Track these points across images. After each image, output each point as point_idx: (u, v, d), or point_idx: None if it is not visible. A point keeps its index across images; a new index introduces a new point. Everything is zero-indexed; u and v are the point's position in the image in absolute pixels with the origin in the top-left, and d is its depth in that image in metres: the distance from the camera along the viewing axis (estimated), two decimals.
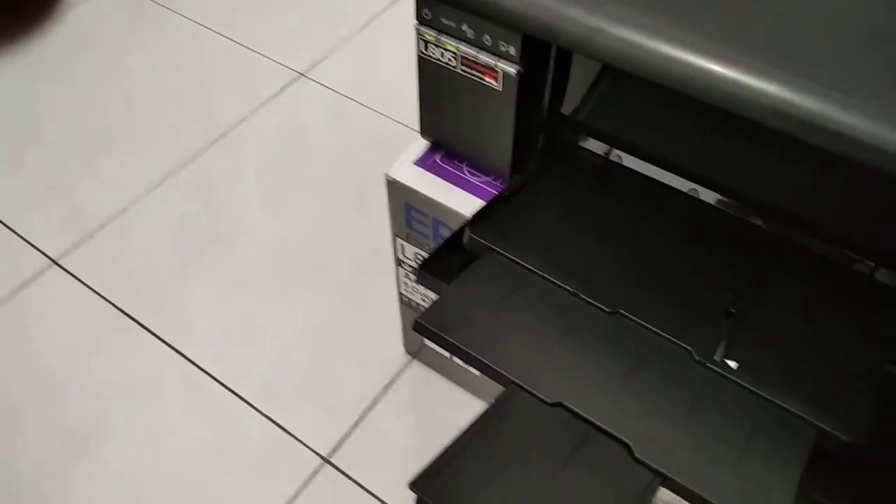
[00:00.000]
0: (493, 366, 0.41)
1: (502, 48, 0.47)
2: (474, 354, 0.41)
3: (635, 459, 0.38)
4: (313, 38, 1.18)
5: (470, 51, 0.49)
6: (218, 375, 0.83)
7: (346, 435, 0.79)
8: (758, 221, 0.52)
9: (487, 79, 0.50)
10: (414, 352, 0.84)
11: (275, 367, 0.83)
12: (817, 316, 0.46)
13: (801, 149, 0.42)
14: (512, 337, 0.43)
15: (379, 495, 0.74)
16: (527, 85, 0.50)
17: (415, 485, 0.34)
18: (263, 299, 0.89)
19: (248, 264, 0.92)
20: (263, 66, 1.14)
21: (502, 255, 0.47)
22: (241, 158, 1.03)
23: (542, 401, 0.40)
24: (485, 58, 0.48)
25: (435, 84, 0.54)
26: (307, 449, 0.78)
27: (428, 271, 0.49)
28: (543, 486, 0.36)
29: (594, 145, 0.57)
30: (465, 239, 0.49)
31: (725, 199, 0.53)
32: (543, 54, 0.50)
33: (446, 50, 0.50)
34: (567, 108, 0.57)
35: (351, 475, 0.76)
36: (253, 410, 0.80)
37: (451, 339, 0.42)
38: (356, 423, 0.80)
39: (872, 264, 0.49)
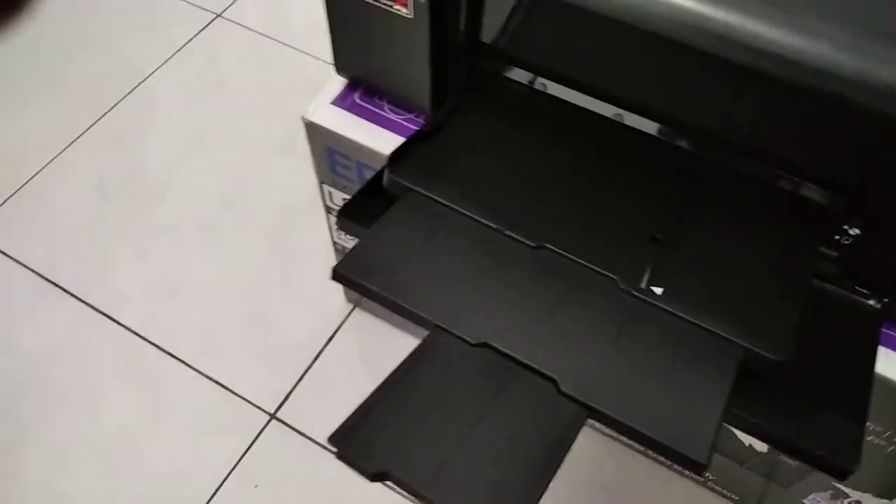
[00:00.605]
0: (414, 310, 0.39)
1: None
2: (395, 300, 0.39)
3: (561, 394, 0.37)
4: None
5: None
6: (150, 337, 0.80)
7: (293, 389, 0.78)
8: (684, 144, 0.51)
9: (397, 6, 0.47)
10: (355, 300, 0.83)
11: (210, 325, 0.81)
12: (743, 236, 0.46)
13: (725, 68, 0.40)
14: (434, 279, 0.41)
15: (330, 447, 0.74)
16: (440, 11, 0.47)
17: (333, 439, 0.33)
18: (192, 255, 0.85)
19: (172, 219, 0.88)
20: (177, 8, 1.07)
21: (423, 194, 0.45)
22: (159, 108, 0.97)
23: (466, 342, 0.39)
24: None
25: (344, 15, 0.50)
26: (252, 406, 0.76)
27: (347, 217, 0.47)
28: (468, 429, 0.35)
29: (518, 74, 0.55)
30: (385, 180, 0.46)
31: (652, 123, 0.52)
32: None
33: None
34: (488, 36, 0.54)
35: (299, 429, 0.75)
36: (191, 370, 0.78)
37: (369, 286, 0.40)
38: (301, 376, 0.78)
39: (797, 180, 0.48)
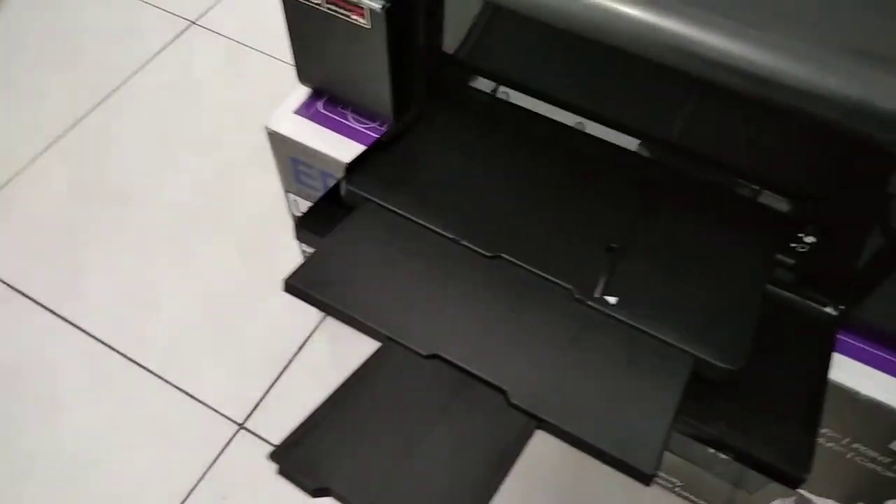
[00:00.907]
0: (365, 322, 0.39)
1: None
2: (346, 312, 0.39)
3: (511, 405, 0.37)
4: None
5: None
6: (118, 347, 0.79)
7: (262, 398, 0.77)
8: (644, 152, 0.51)
9: (355, 16, 0.47)
10: None
11: (178, 334, 0.80)
12: (699, 243, 0.46)
13: (685, 78, 0.40)
14: (388, 290, 0.41)
15: None
16: (397, 21, 0.47)
17: (274, 455, 0.33)
18: (161, 264, 0.84)
19: (142, 228, 0.87)
20: (150, 15, 1.06)
21: (380, 205, 0.45)
22: (131, 117, 0.96)
23: (418, 354, 0.38)
24: None
25: (304, 25, 0.50)
26: (220, 416, 0.76)
27: (305, 227, 0.46)
28: (415, 442, 0.35)
29: (482, 83, 0.55)
30: (342, 190, 0.46)
31: (613, 132, 0.52)
32: None
33: None
34: (450, 46, 0.54)
35: (268, 439, 0.75)
36: (158, 380, 0.78)
37: (320, 298, 0.40)
38: (271, 385, 0.78)
39: (756, 188, 0.49)
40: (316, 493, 0.32)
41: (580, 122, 0.53)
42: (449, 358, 0.38)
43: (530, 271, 0.43)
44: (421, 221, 0.44)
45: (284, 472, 0.32)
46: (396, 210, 0.45)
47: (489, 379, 0.38)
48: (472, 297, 0.42)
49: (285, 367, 0.78)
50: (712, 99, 0.47)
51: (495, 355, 0.39)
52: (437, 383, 0.38)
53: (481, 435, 0.36)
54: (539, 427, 0.37)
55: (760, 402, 0.42)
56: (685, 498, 0.72)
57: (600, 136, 0.52)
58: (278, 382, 0.78)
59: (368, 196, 0.45)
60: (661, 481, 0.73)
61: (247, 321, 0.81)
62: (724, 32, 0.36)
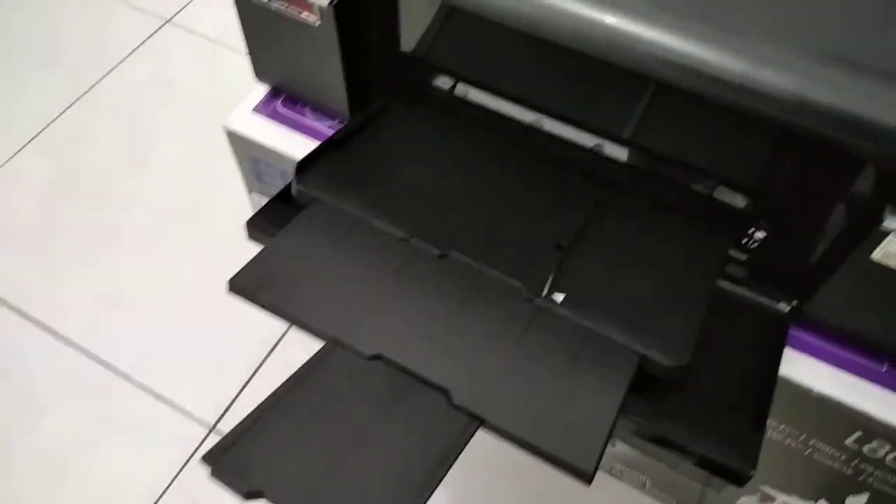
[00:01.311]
0: (307, 322, 0.39)
1: None
2: (288, 312, 0.39)
3: (453, 405, 0.37)
4: None
5: None
6: (91, 349, 0.79)
7: (234, 400, 0.77)
8: (599, 149, 0.51)
9: (305, 13, 0.47)
10: None
11: (152, 336, 0.80)
12: (651, 239, 0.46)
13: (641, 76, 0.40)
14: (333, 290, 0.41)
15: None
16: (348, 19, 0.47)
17: (207, 457, 0.33)
18: (136, 263, 0.84)
19: (116, 228, 0.87)
20: (125, 14, 1.06)
21: (330, 203, 0.45)
22: (106, 116, 0.96)
23: (361, 354, 0.38)
24: None
25: (256, 23, 0.50)
26: (191, 418, 0.76)
27: (256, 227, 0.46)
28: (353, 444, 0.35)
29: (441, 81, 0.55)
30: (293, 190, 0.46)
31: (570, 128, 0.52)
32: None
33: None
34: (407, 45, 0.54)
35: None
36: (131, 382, 0.78)
37: (262, 298, 0.39)
38: (243, 387, 0.78)
39: (705, 183, 0.49)
40: (248, 495, 0.32)
41: (538, 120, 0.53)
42: (392, 358, 0.38)
43: (479, 269, 0.43)
44: (371, 220, 0.44)
45: (217, 475, 0.32)
46: (346, 209, 0.45)
47: (432, 379, 0.38)
48: (419, 297, 0.42)
49: (258, 368, 0.78)
50: (664, 96, 0.47)
51: (440, 355, 0.39)
52: (380, 384, 0.38)
53: (422, 435, 0.36)
54: (482, 427, 0.37)
55: (708, 398, 0.42)
56: (656, 496, 0.72)
57: (558, 133, 0.52)
58: (251, 383, 0.78)
59: (318, 195, 0.45)
60: (632, 479, 0.73)
61: (221, 322, 0.81)
62: (682, 33, 0.36)
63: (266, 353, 0.79)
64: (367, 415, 0.36)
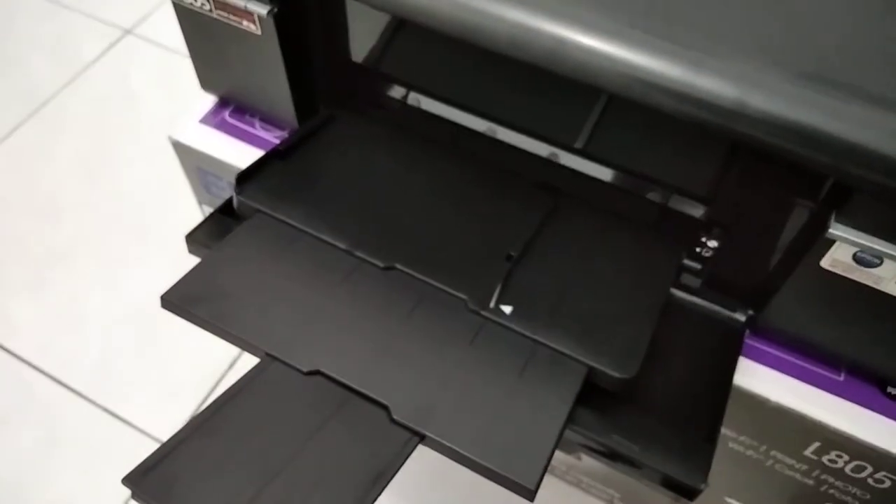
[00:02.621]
0: (243, 338, 0.37)
1: None
2: (222, 327, 0.38)
3: (393, 421, 0.35)
4: None
5: None
6: (44, 367, 0.77)
7: (190, 418, 0.75)
8: (554, 158, 0.50)
9: (245, 23, 0.46)
10: None
11: (107, 354, 0.78)
12: (604, 249, 0.45)
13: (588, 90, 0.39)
14: (272, 304, 0.40)
15: None
16: (290, 28, 0.46)
17: (128, 479, 0.31)
18: (89, 280, 0.82)
19: (70, 244, 0.85)
20: (84, 25, 1.04)
21: (271, 215, 0.44)
22: (64, 129, 0.94)
23: (298, 370, 0.37)
24: None
25: (196, 33, 0.49)
26: (148, 437, 0.74)
27: (196, 241, 0.45)
28: (286, 463, 0.33)
29: (394, 90, 0.54)
30: (234, 201, 0.45)
31: (522, 137, 0.51)
32: None
33: None
34: (359, 53, 0.53)
35: None
36: (86, 402, 0.75)
37: (195, 313, 0.38)
38: (200, 405, 0.76)
39: (666, 192, 0.48)
40: None
41: (491, 128, 0.52)
42: (330, 374, 0.37)
43: (425, 282, 0.42)
44: (313, 232, 0.43)
45: (138, 497, 0.31)
46: (288, 221, 0.43)
47: (371, 394, 0.36)
48: (361, 310, 0.40)
49: (214, 387, 0.76)
50: (617, 105, 0.46)
51: (381, 370, 0.38)
52: (318, 401, 0.36)
53: (358, 453, 0.34)
54: (422, 443, 0.35)
55: (660, 410, 0.41)
56: None
57: (511, 142, 0.51)
58: (207, 401, 0.76)
59: (260, 206, 0.44)
60: (600, 493, 0.72)
61: (178, 339, 0.79)
62: (634, 45, 0.35)
63: (224, 370, 0.78)
64: (301, 433, 0.35)
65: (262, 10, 0.43)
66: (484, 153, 0.50)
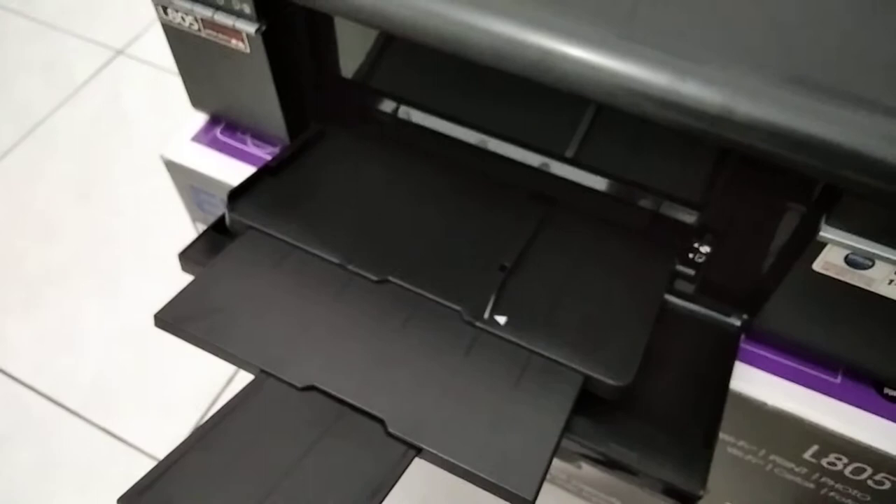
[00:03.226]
0: (238, 355, 0.37)
1: (236, 6, 0.43)
2: (216, 344, 0.38)
3: (389, 434, 0.35)
4: (128, 10, 1.09)
5: (205, 12, 0.44)
6: (39, 388, 0.76)
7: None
8: (546, 168, 0.50)
9: (234, 41, 0.46)
10: None
11: (102, 373, 0.77)
12: (598, 257, 0.45)
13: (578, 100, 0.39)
14: (266, 320, 0.40)
15: None
16: (279, 45, 0.46)
17: (123, 499, 0.31)
18: (85, 301, 0.82)
19: (65, 263, 0.85)
20: (75, 46, 1.04)
21: (264, 231, 0.44)
22: (58, 150, 0.94)
23: (293, 386, 0.37)
24: (221, 18, 0.44)
25: (186, 51, 0.49)
26: (145, 456, 0.73)
27: (190, 259, 0.45)
28: (282, 479, 0.33)
29: (384, 104, 0.54)
30: (227, 218, 0.45)
31: (514, 148, 0.51)
32: (288, 10, 0.46)
33: (185, 14, 0.45)
34: (348, 68, 0.53)
35: None
36: (82, 422, 0.75)
37: (190, 332, 0.38)
38: (197, 423, 0.76)
39: (658, 199, 0.48)
40: None
41: (483, 140, 0.52)
42: (325, 389, 0.37)
43: (419, 294, 0.42)
44: (306, 247, 0.43)
45: None
46: (281, 237, 0.43)
47: (366, 409, 0.36)
48: (356, 324, 0.40)
49: (211, 404, 0.76)
50: (607, 114, 0.47)
51: (376, 384, 0.37)
52: (313, 416, 0.36)
53: (355, 467, 0.34)
54: (419, 456, 0.35)
55: (657, 417, 0.41)
56: None
57: (503, 153, 0.51)
58: (204, 420, 0.76)
59: (252, 223, 0.44)
60: (602, 502, 0.72)
61: (173, 358, 0.79)
62: (616, 52, 0.35)
63: (221, 387, 0.77)
64: (297, 448, 0.35)
65: (251, 28, 0.44)
66: (475, 164, 0.51)
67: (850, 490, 0.47)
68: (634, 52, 0.34)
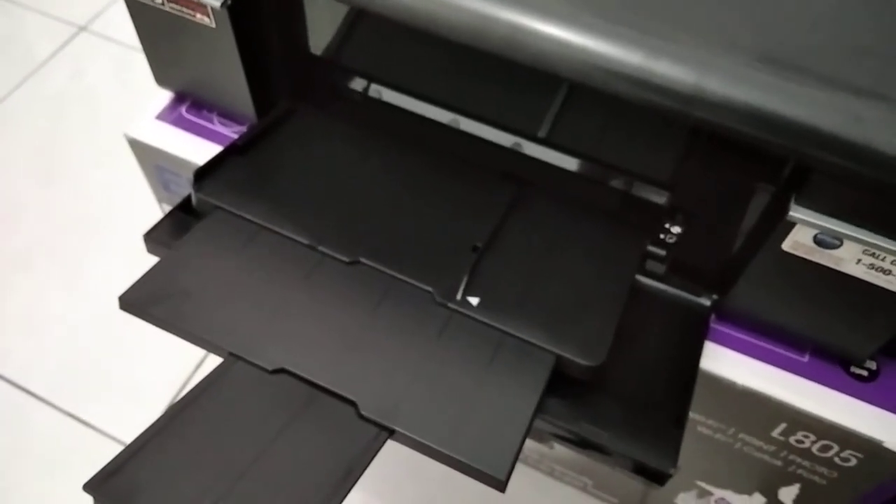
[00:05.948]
0: (205, 338, 0.37)
1: None
2: (183, 327, 0.37)
3: (361, 417, 0.35)
4: None
5: None
6: (4, 373, 0.74)
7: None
8: (518, 148, 0.50)
9: (199, 15, 0.44)
10: None
11: (69, 358, 0.76)
12: (569, 238, 0.45)
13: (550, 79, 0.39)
14: (234, 302, 0.39)
15: None
16: (246, 19, 0.45)
17: (89, 485, 0.30)
18: (48, 283, 0.80)
19: (29, 247, 0.82)
20: (36, 22, 1.01)
21: (231, 212, 0.43)
22: (18, 129, 0.91)
23: (263, 369, 0.36)
24: None
25: (149, 27, 0.48)
26: (113, 441, 0.72)
27: (155, 240, 0.44)
28: (252, 463, 0.33)
29: (355, 82, 0.53)
30: (193, 199, 0.44)
31: (485, 127, 0.51)
32: None
33: None
34: (317, 45, 0.52)
35: None
36: (49, 407, 0.73)
37: (157, 315, 0.37)
38: (166, 407, 0.74)
39: (629, 179, 0.48)
40: None
41: (454, 119, 0.51)
42: (296, 371, 0.36)
43: (391, 275, 0.41)
44: (275, 228, 0.42)
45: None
46: (249, 217, 0.42)
47: (338, 391, 0.36)
48: (327, 306, 0.40)
49: (181, 389, 0.75)
50: (578, 93, 0.46)
51: (347, 366, 0.37)
52: (284, 399, 0.36)
53: (326, 450, 0.34)
54: (391, 437, 0.35)
55: (628, 397, 0.41)
56: (597, 496, 0.71)
57: (474, 132, 0.51)
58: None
59: (219, 203, 0.43)
60: (573, 481, 0.73)
61: (141, 342, 0.77)
62: (595, 32, 0.35)
63: (190, 371, 0.76)
64: (268, 432, 0.34)
65: (216, 1, 0.42)
66: (447, 144, 0.50)
67: (817, 467, 0.48)
68: (607, 31, 0.34)
